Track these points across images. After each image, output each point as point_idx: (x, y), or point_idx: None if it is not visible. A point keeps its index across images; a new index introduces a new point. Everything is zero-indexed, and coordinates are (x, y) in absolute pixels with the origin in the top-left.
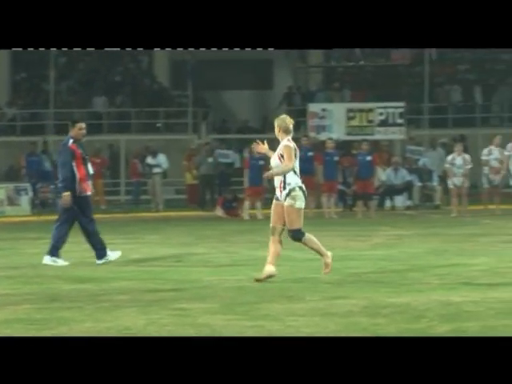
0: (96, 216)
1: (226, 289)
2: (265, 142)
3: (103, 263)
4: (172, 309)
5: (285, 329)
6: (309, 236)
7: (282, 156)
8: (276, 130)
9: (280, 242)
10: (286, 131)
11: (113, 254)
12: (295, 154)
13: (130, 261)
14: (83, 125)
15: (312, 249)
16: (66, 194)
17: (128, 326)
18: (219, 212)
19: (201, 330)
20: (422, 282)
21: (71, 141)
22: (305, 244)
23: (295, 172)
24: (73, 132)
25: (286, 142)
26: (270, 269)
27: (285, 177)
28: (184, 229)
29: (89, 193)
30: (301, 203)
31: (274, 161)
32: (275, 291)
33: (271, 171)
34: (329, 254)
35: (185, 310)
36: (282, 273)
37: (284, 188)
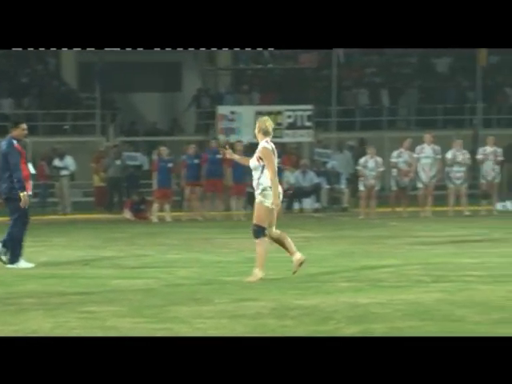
0: (2, 219)
1: (134, 292)
2: (227, 147)
3: (11, 268)
4: (80, 312)
5: (193, 331)
6: (266, 241)
7: (261, 158)
8: (256, 130)
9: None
10: (265, 133)
11: (24, 264)
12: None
13: (37, 264)
14: (25, 125)
15: (257, 252)
16: (24, 195)
17: (35, 330)
18: (127, 214)
19: (109, 333)
20: (329, 283)
21: (15, 141)
22: (256, 244)
23: None
24: (15, 132)
25: (264, 143)
26: (297, 256)
27: (259, 178)
28: (92, 231)
29: (30, 192)
30: (269, 203)
31: (253, 162)
32: (183, 294)
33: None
34: (259, 272)
35: (93, 313)
36: (190, 275)
37: (257, 188)
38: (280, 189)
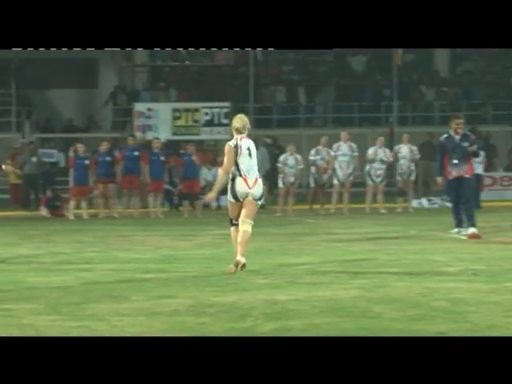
0: None
1: (50, 289)
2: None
3: None
4: None
5: (110, 329)
6: (232, 230)
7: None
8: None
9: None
10: (236, 130)
11: None
12: (236, 152)
13: None
14: None
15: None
16: None
17: None
18: (43, 211)
19: (25, 331)
20: (247, 281)
21: None
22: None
23: (237, 167)
24: None
25: (230, 141)
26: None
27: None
28: (7, 229)
29: None
30: (229, 195)
31: None
32: (101, 291)
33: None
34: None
35: (9, 311)
36: (107, 273)
37: None
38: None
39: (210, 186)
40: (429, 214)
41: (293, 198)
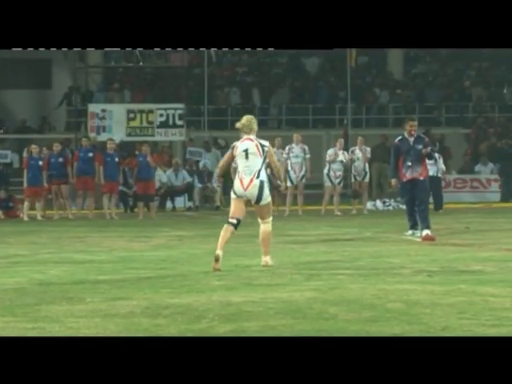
0: None
1: (4, 291)
2: None
3: None
4: None
5: (65, 330)
6: (224, 228)
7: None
8: None
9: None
10: (243, 131)
11: None
12: (232, 152)
13: None
14: None
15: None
16: None
17: None
18: None
19: None
20: (202, 282)
21: None
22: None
23: (237, 168)
24: None
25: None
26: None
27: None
28: None
29: None
30: (232, 193)
31: None
32: (55, 293)
33: None
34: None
35: None
36: (62, 274)
37: None
38: (237, 182)
39: (164, 187)
40: (383, 216)
41: None
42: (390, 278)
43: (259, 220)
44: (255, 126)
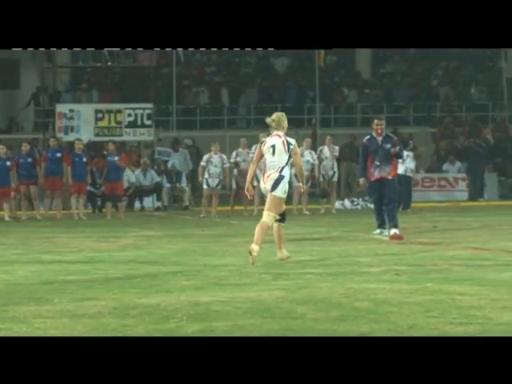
0: None
1: None
2: None
3: None
4: None
5: (32, 331)
6: (273, 226)
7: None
8: None
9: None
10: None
11: None
12: (261, 147)
13: None
14: None
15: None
16: None
17: None
18: None
19: None
20: (171, 282)
21: None
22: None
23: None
24: None
25: None
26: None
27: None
28: None
29: None
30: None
31: None
32: (23, 293)
33: None
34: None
35: None
36: (29, 275)
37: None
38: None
39: (132, 187)
40: (351, 215)
41: (217, 200)
42: (358, 277)
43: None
44: (285, 123)
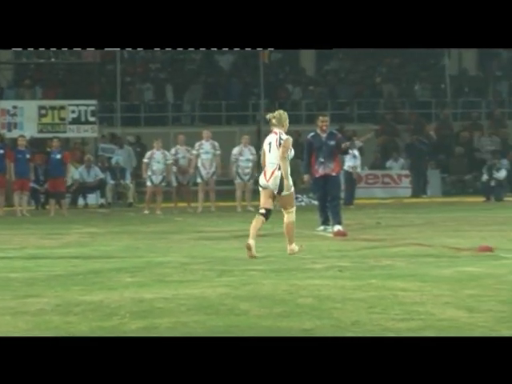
0: None
1: None
2: None
3: None
4: None
5: None
6: (255, 218)
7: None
8: None
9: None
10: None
11: None
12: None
13: None
14: None
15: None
16: None
17: None
18: None
19: None
20: (114, 279)
21: None
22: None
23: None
24: None
25: None
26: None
27: None
28: None
29: None
30: (259, 186)
31: None
32: None
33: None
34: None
35: None
36: None
37: None
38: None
39: (76, 184)
40: (296, 211)
41: (161, 196)
42: (302, 274)
43: (282, 210)
44: (286, 122)
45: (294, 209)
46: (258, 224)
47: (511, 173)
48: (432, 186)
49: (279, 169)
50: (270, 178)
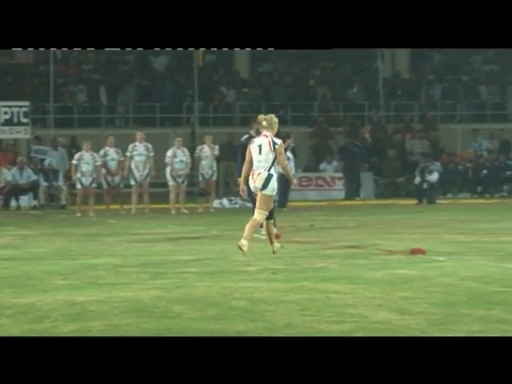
0: None
1: None
2: None
3: None
4: None
5: None
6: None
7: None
8: None
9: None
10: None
11: None
12: (250, 147)
13: None
14: None
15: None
16: None
17: None
18: None
19: None
20: (46, 282)
21: None
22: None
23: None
24: None
25: None
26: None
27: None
28: None
29: None
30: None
31: None
32: None
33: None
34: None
35: None
36: None
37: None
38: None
39: (8, 185)
40: (230, 214)
41: (92, 198)
42: (235, 276)
43: (256, 209)
44: (276, 127)
45: (265, 213)
46: (270, 228)
47: (443, 176)
48: (365, 189)
49: (268, 170)
50: (257, 178)
